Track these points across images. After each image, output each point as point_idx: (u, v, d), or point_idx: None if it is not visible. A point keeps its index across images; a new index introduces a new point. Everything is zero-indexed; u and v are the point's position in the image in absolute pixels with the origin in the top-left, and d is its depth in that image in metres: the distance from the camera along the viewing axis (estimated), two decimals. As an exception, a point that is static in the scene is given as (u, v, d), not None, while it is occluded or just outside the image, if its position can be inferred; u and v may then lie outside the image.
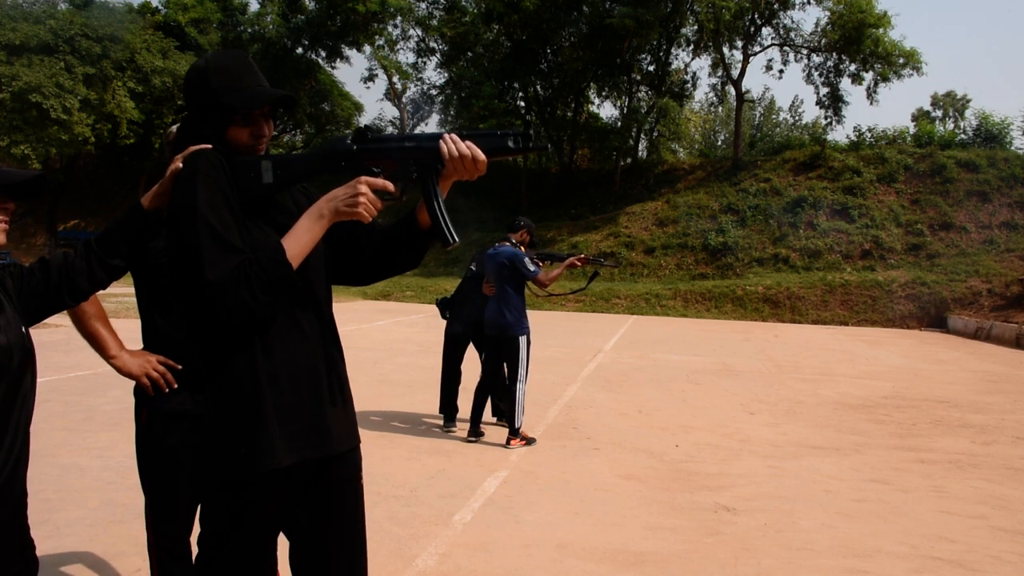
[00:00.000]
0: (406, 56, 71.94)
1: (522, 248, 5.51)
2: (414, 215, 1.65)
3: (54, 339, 10.27)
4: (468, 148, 1.52)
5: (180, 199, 1.48)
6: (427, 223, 1.63)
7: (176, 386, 2.10)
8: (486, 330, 5.52)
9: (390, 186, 1.52)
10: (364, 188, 1.49)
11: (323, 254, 1.67)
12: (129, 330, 3.06)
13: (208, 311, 1.42)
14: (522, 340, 5.35)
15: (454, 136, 1.53)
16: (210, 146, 1.55)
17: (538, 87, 33.06)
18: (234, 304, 1.40)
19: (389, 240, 1.70)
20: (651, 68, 31.30)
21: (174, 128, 2.08)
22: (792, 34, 29.45)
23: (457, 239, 1.59)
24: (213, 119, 1.56)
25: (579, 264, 5.47)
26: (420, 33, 36.84)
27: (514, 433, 5.29)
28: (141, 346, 2.20)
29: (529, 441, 5.36)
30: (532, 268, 5.32)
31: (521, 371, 5.33)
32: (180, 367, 2.11)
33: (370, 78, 39.37)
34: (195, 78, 1.58)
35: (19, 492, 1.44)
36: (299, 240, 1.50)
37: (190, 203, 1.45)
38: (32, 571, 1.54)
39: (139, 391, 2.15)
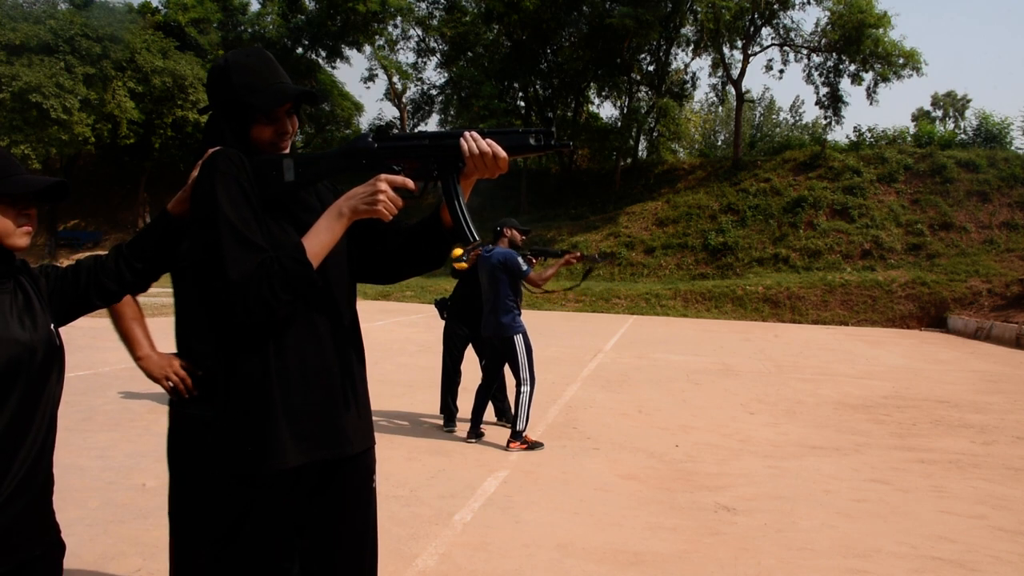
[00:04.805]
0: (406, 56, 72.26)
1: (515, 249, 5.53)
2: (437, 214, 1.63)
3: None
4: (488, 145, 1.50)
5: (201, 198, 1.47)
6: (450, 222, 1.60)
7: (196, 393, 2.10)
8: (483, 332, 5.53)
9: (410, 183, 1.50)
10: (384, 186, 1.47)
11: (345, 252, 1.64)
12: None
13: (228, 309, 1.41)
14: (518, 339, 5.33)
15: (474, 133, 1.50)
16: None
17: (538, 87, 33.07)
18: (255, 302, 1.40)
19: (413, 239, 1.67)
20: (651, 68, 31.31)
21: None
22: (792, 34, 29.50)
23: (479, 238, 1.58)
24: (236, 117, 1.55)
25: (574, 261, 5.60)
26: (420, 33, 36.92)
27: (515, 436, 5.24)
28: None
29: (532, 446, 5.25)
30: (525, 268, 5.36)
31: (524, 372, 5.28)
32: (200, 373, 2.11)
33: (370, 78, 39.43)
34: (216, 77, 1.57)
35: (41, 481, 1.50)
36: (318, 239, 1.48)
37: (211, 201, 1.44)
38: (55, 555, 1.57)
39: (175, 392, 2.17)
